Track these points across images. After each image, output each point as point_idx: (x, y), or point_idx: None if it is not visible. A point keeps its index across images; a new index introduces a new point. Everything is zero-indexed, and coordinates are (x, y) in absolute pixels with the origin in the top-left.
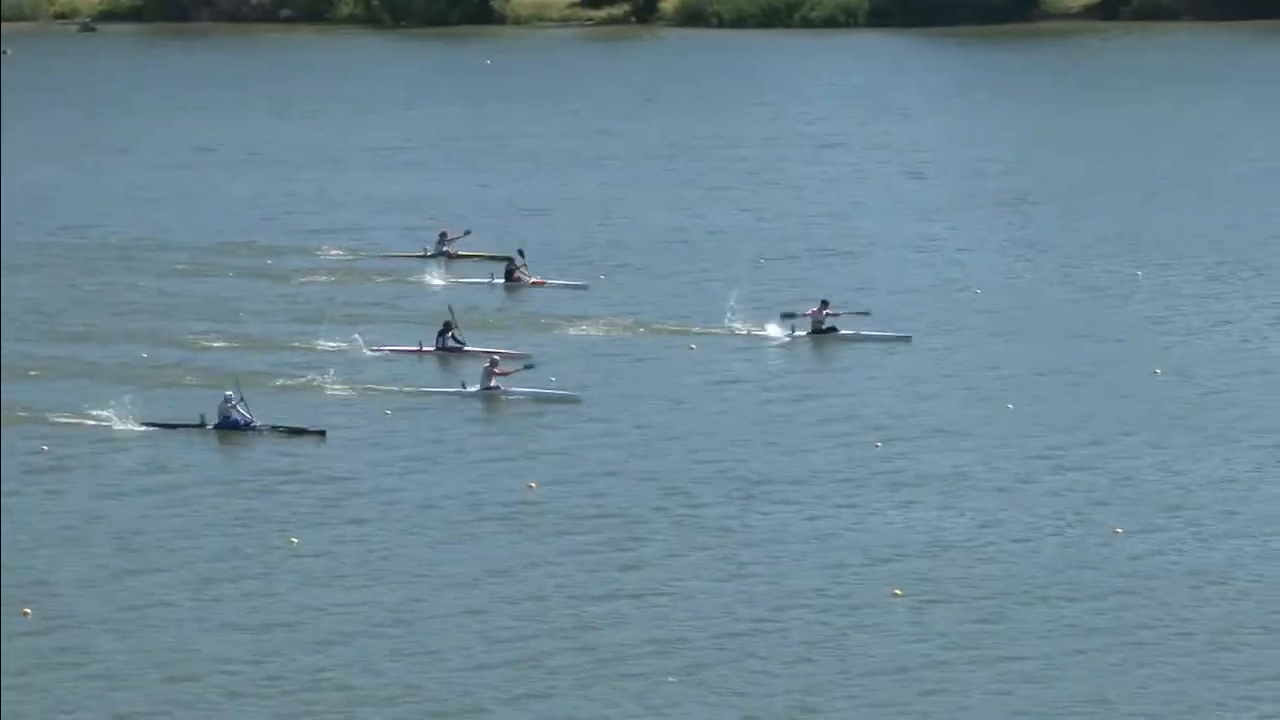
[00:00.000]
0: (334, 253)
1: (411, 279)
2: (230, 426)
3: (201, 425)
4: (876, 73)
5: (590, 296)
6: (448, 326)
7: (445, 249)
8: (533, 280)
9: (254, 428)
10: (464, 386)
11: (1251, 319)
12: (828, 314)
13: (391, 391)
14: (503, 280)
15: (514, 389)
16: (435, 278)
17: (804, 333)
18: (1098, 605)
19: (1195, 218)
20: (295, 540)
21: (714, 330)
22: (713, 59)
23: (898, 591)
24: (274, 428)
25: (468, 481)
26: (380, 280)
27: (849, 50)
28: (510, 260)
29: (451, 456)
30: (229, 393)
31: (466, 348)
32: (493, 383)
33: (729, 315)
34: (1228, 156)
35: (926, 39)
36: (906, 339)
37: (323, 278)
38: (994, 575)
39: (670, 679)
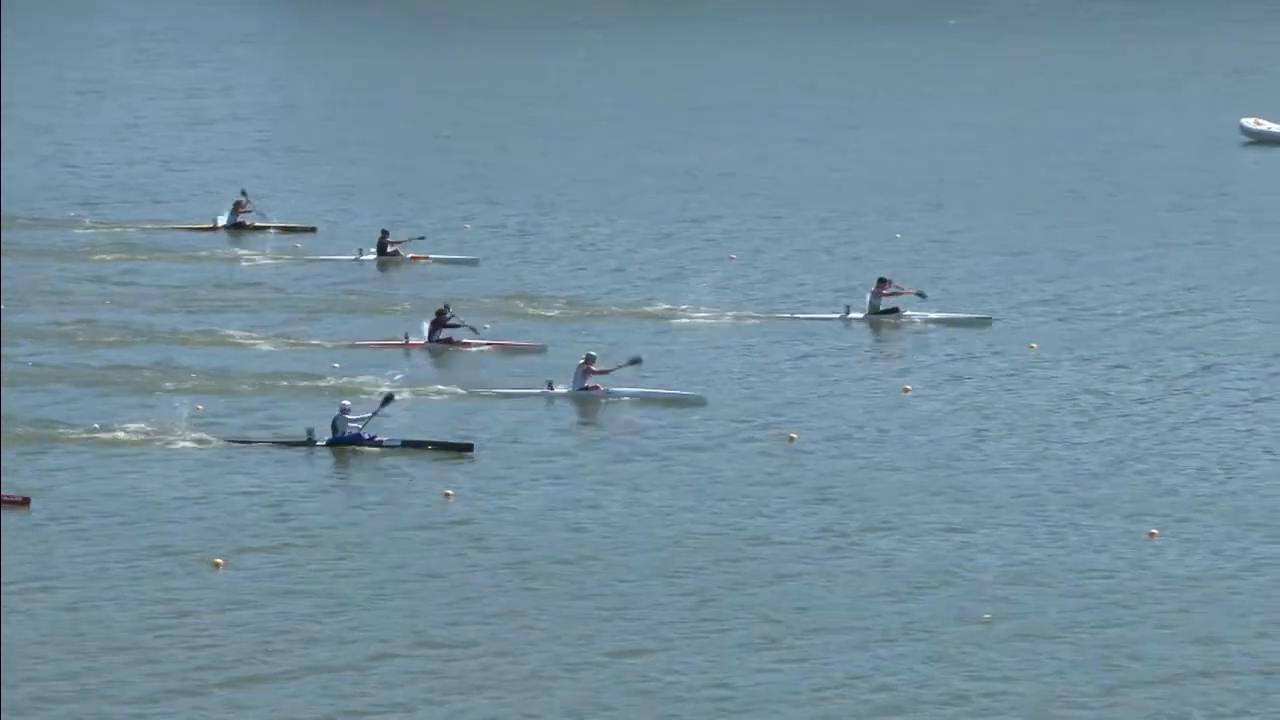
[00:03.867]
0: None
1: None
2: (347, 441)
3: (310, 442)
4: (185, 18)
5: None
6: (440, 316)
7: (240, 219)
8: (411, 255)
9: (377, 442)
10: (550, 387)
11: (623, 263)
12: (887, 294)
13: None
14: (374, 255)
15: (620, 389)
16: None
17: (860, 315)
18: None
19: (534, 162)
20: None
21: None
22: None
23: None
24: (407, 442)
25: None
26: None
27: None
28: (384, 232)
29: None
30: (345, 402)
31: (472, 341)
32: (589, 382)
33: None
34: (575, 103)
35: None
36: (987, 321)
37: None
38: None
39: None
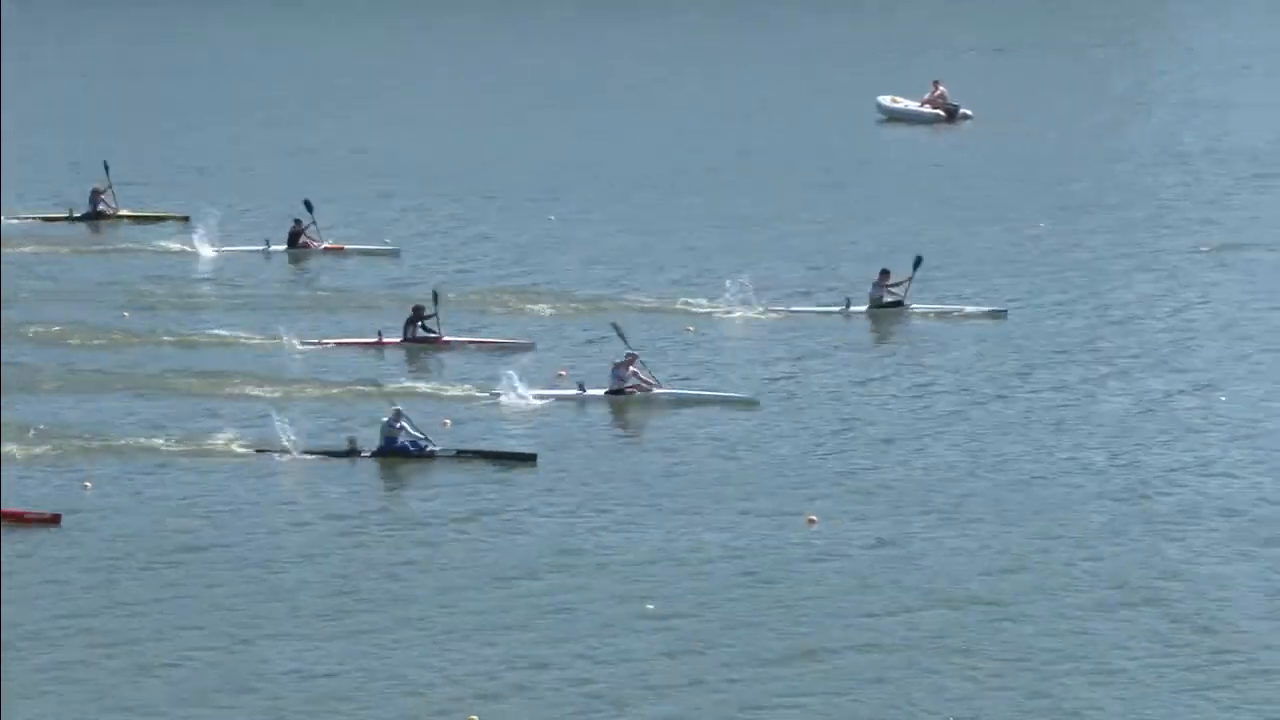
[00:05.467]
0: None
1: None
2: (397, 451)
3: (353, 452)
4: None
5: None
6: (418, 313)
7: (100, 208)
8: (324, 245)
9: (430, 453)
10: (581, 389)
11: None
12: (889, 287)
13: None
14: (284, 246)
15: (661, 391)
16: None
17: (861, 309)
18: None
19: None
20: None
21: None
22: None
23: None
24: (462, 451)
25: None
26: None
27: None
28: (296, 221)
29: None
30: (398, 407)
31: (444, 338)
32: (630, 383)
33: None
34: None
35: None
36: (1002, 313)
37: None
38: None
39: None
